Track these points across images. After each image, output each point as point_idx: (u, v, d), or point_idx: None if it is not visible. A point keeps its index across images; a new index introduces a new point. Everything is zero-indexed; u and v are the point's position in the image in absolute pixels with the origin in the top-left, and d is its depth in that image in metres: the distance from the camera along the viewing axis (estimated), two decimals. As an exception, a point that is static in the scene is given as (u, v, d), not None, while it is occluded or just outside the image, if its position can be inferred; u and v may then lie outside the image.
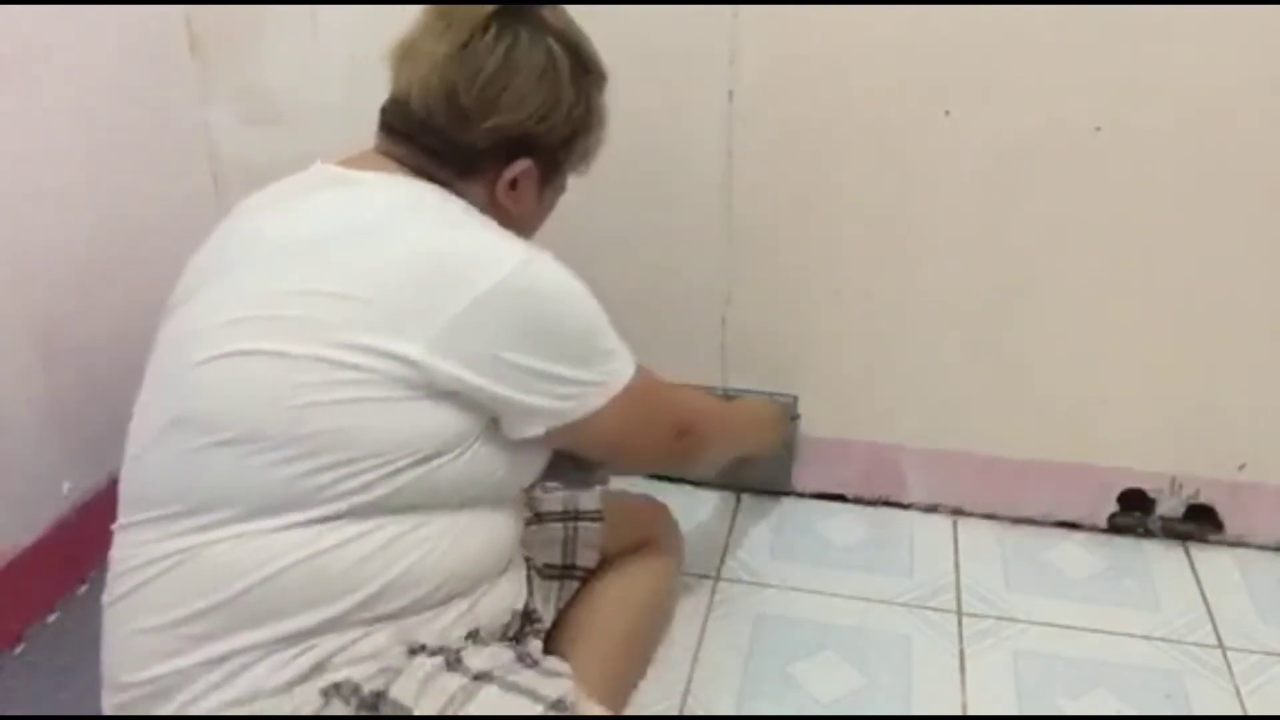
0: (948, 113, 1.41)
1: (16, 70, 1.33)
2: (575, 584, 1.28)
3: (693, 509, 1.65)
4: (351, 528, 0.92)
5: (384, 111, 1.04)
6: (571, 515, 1.31)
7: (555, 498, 1.32)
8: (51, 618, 1.44)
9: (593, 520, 1.31)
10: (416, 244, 0.94)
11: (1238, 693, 1.33)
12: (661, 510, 1.45)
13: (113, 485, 1.50)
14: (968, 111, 1.41)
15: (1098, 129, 1.38)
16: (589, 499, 1.34)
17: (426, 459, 0.93)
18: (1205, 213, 1.40)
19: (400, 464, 0.92)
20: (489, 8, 0.99)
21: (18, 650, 1.38)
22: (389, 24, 1.48)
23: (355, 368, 0.90)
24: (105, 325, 1.49)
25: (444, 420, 0.94)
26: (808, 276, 1.55)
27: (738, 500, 1.70)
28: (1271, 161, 1.36)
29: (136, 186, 1.54)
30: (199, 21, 1.59)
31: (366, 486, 0.91)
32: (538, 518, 1.29)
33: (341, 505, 0.91)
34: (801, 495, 1.70)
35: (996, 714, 1.30)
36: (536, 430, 0.98)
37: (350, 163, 1.03)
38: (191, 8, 1.58)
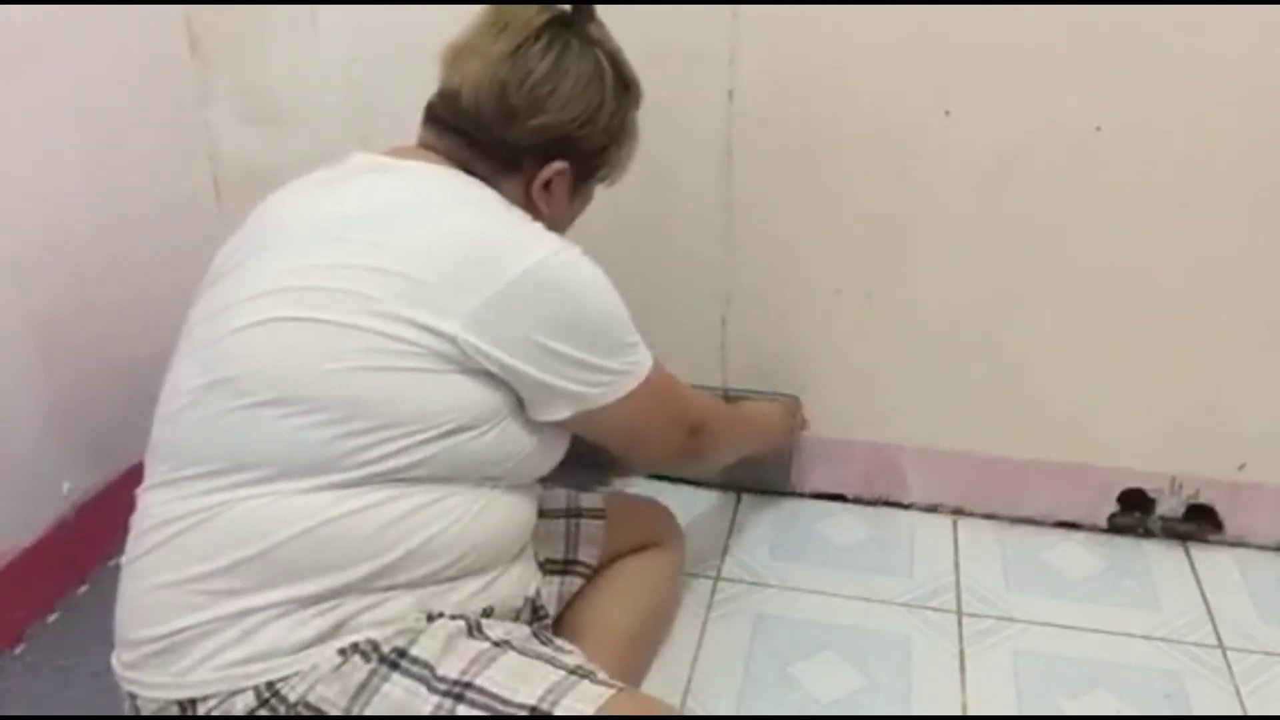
0: (948, 113, 1.41)
1: (16, 70, 1.33)
2: (577, 580, 1.29)
3: (693, 509, 1.65)
4: (377, 494, 0.94)
5: (431, 106, 1.08)
6: (574, 512, 1.32)
7: (558, 494, 1.33)
8: (51, 618, 1.44)
9: (594, 517, 1.32)
10: (456, 226, 0.98)
11: (1238, 693, 1.33)
12: (663, 511, 1.45)
13: (113, 485, 1.51)
14: (968, 111, 1.41)
15: (1098, 129, 1.38)
16: (591, 497, 1.35)
17: (455, 432, 0.96)
18: (1205, 213, 1.40)
19: (430, 434, 0.95)
20: (543, 17, 1.05)
21: (18, 650, 1.38)
22: (389, 24, 1.51)
23: (393, 338, 0.93)
24: (105, 325, 1.49)
25: (476, 396, 0.97)
26: (808, 276, 1.56)
27: (738, 500, 1.70)
28: (1271, 161, 1.36)
29: (136, 186, 1.54)
30: (199, 22, 1.59)
31: (395, 454, 0.94)
32: (541, 514, 1.29)
33: (369, 471, 0.94)
34: (801, 495, 1.70)
35: (996, 714, 1.30)
36: (561, 414, 1.02)
37: (392, 153, 1.07)
38: (191, 8, 1.58)
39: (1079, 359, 1.52)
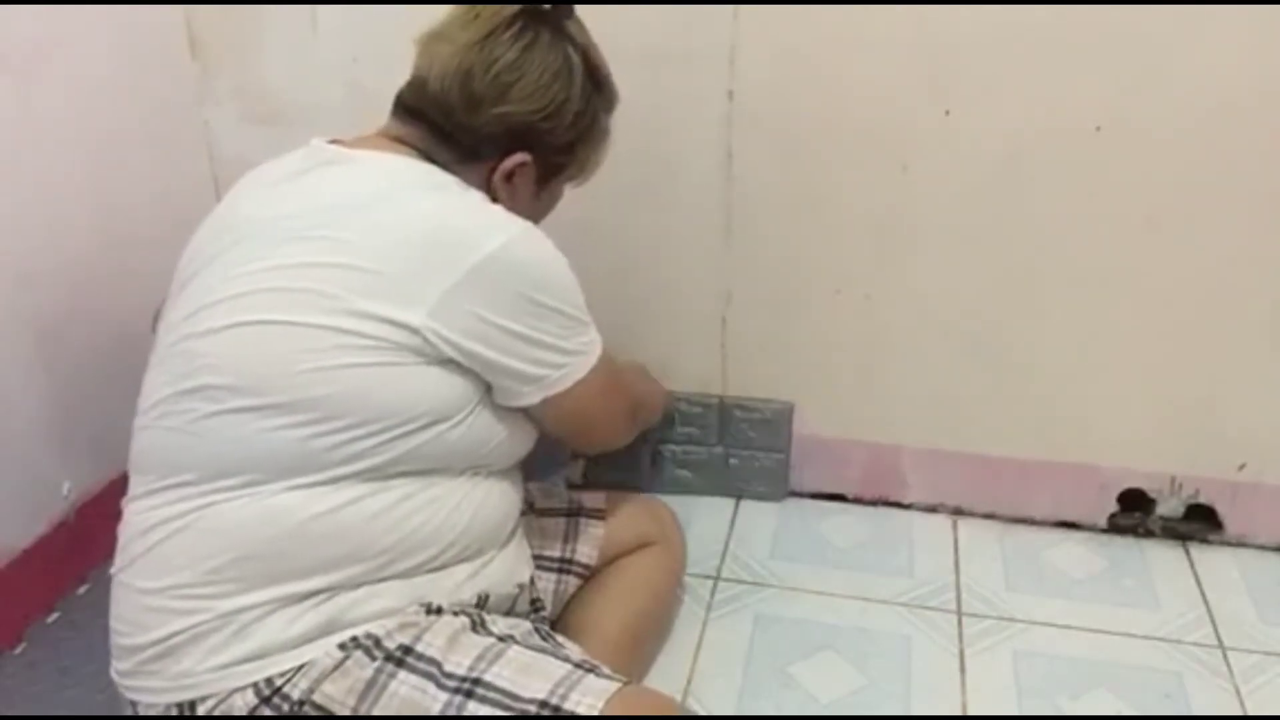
0: (948, 113, 1.41)
1: (17, 71, 1.33)
2: (575, 580, 1.29)
3: (693, 509, 1.65)
4: (358, 489, 0.95)
5: (400, 94, 1.09)
6: (575, 511, 1.32)
7: (560, 493, 1.33)
8: (51, 618, 1.44)
9: (593, 518, 1.32)
10: (414, 215, 0.98)
11: (1238, 693, 1.33)
12: (664, 511, 1.45)
13: (113, 485, 1.51)
14: (968, 111, 1.41)
15: (1098, 129, 1.38)
16: (593, 497, 1.35)
17: (431, 424, 0.97)
18: (1205, 213, 1.40)
19: (406, 429, 0.95)
20: (515, 8, 1.04)
21: (18, 650, 1.38)
22: (389, 24, 1.50)
23: (359, 334, 0.93)
24: (105, 325, 1.49)
25: (447, 387, 0.97)
26: (808, 276, 1.56)
27: (737, 501, 1.70)
28: (1272, 161, 1.36)
29: (136, 186, 1.54)
30: (199, 22, 1.59)
31: (373, 450, 0.94)
32: (540, 512, 1.29)
33: (350, 469, 0.94)
34: (801, 495, 1.70)
35: (996, 714, 1.30)
36: (528, 400, 1.03)
37: (352, 142, 1.06)
38: (191, 8, 1.58)
39: (1079, 359, 1.52)
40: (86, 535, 1.48)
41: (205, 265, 1.01)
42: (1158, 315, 1.47)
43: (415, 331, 0.94)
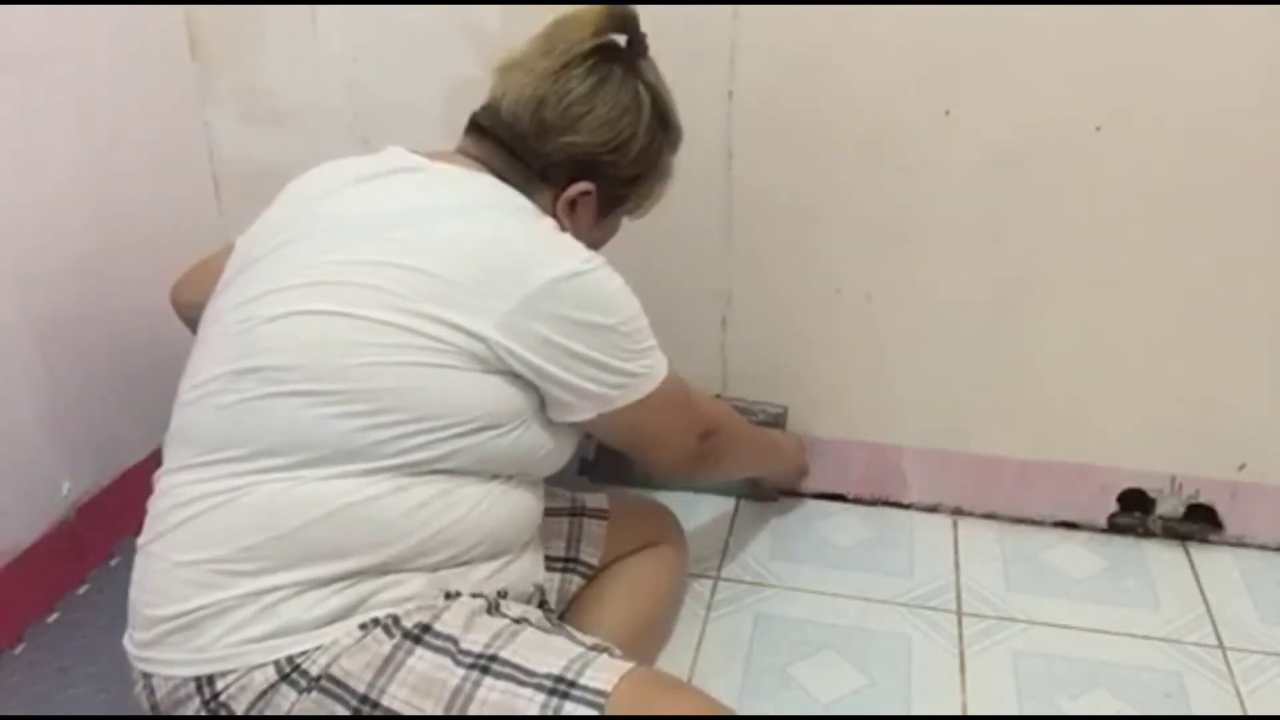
0: (948, 113, 1.41)
1: (17, 71, 1.33)
2: (579, 580, 1.29)
3: (693, 509, 1.65)
4: (399, 481, 0.97)
5: (474, 115, 1.12)
6: (578, 511, 1.33)
7: (562, 494, 1.34)
8: (51, 618, 1.43)
9: (596, 518, 1.33)
10: (486, 232, 1.01)
11: (1238, 693, 1.33)
12: (666, 512, 1.46)
13: (113, 485, 1.51)
14: (968, 111, 1.41)
15: (1098, 129, 1.38)
16: (595, 497, 1.36)
17: (481, 429, 0.99)
18: (1205, 212, 1.40)
19: (457, 430, 0.97)
20: (591, 44, 1.08)
21: (18, 650, 1.38)
22: (389, 24, 1.51)
23: (423, 334, 0.96)
24: (105, 326, 1.49)
25: (503, 396, 1.00)
26: (808, 276, 1.56)
27: (738, 501, 1.70)
28: (1272, 161, 1.36)
29: (136, 186, 1.54)
30: (199, 22, 1.59)
31: (422, 447, 0.96)
32: (544, 511, 1.30)
33: (394, 462, 0.96)
34: (801, 495, 1.70)
35: (996, 714, 1.30)
36: (583, 415, 1.05)
37: (428, 155, 1.09)
38: (191, 9, 1.58)
39: (1079, 359, 1.52)
40: (86, 535, 1.48)
41: (271, 252, 1.03)
42: (1158, 315, 1.47)
43: (482, 340, 0.96)
